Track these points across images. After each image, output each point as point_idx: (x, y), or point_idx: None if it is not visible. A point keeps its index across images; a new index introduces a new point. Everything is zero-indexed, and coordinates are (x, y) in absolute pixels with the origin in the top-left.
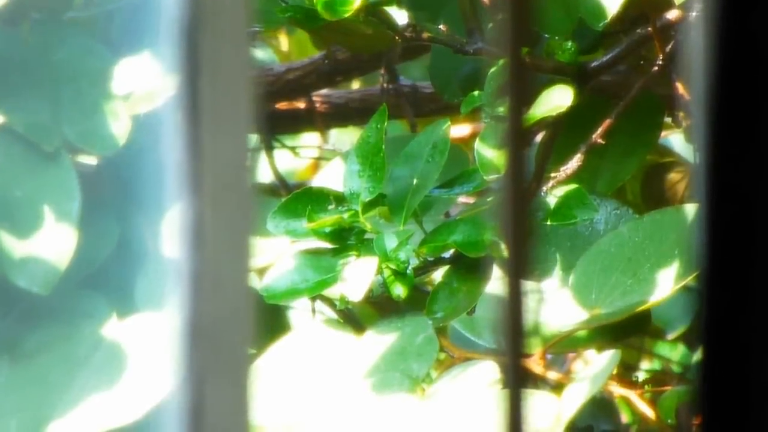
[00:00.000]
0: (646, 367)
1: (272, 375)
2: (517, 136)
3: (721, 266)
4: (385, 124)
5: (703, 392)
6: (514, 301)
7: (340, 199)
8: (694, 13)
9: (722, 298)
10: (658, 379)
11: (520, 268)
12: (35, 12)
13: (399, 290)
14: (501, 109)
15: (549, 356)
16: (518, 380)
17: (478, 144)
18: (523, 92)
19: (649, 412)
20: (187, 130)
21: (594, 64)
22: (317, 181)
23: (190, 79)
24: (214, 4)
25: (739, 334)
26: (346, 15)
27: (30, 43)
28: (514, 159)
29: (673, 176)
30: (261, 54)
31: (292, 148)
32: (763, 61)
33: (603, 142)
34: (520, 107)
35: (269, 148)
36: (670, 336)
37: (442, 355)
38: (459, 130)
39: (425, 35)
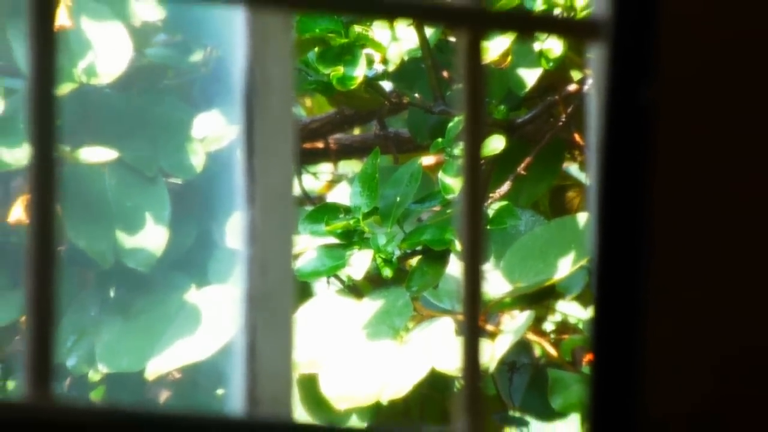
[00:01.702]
0: (552, 320)
1: (301, 326)
2: (471, 168)
3: (607, 253)
4: (378, 160)
5: (593, 338)
6: (469, 279)
7: (347, 210)
8: (586, 87)
9: (608, 274)
10: (560, 329)
11: (472, 257)
12: (141, 81)
13: (387, 272)
14: (457, 150)
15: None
16: (473, 330)
17: (441, 174)
18: (476, 149)
19: (553, 352)
20: (245, 161)
21: (519, 120)
22: (331, 198)
23: (248, 127)
24: (265, 75)
25: (619, 298)
26: (352, 87)
27: (137, 103)
28: (468, 184)
29: (571, 194)
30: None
31: (314, 173)
32: (634, 118)
33: (524, 173)
34: (473, 148)
35: (299, 173)
36: (568, 298)
37: (415, 315)
38: (427, 160)
39: (405, 100)
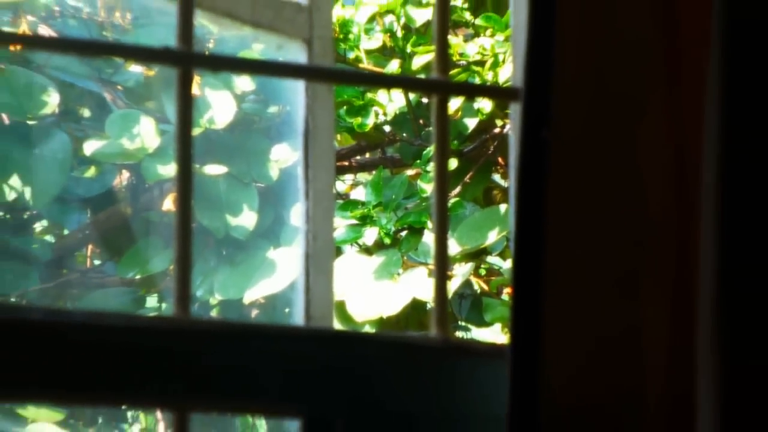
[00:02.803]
0: (484, 268)
1: (336, 272)
2: (439, 178)
3: (519, 228)
4: (381, 173)
5: (513, 278)
6: (438, 244)
7: (363, 204)
8: (507, 129)
9: (520, 241)
10: (489, 273)
11: (440, 231)
12: (240, 126)
13: (387, 240)
14: (429, 167)
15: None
16: (441, 273)
17: (419, 181)
18: (444, 167)
19: (485, 287)
20: (303, 173)
21: (465, 149)
22: (353, 195)
23: (305, 152)
24: (315, 122)
25: (527, 256)
26: (366, 130)
27: (237, 139)
28: (438, 187)
29: (496, 193)
30: None
31: (343, 180)
32: (537, 149)
33: (468, 181)
34: (442, 166)
35: (334, 180)
36: (494, 254)
37: (404, 265)
38: (410, 173)
39: (397, 137)
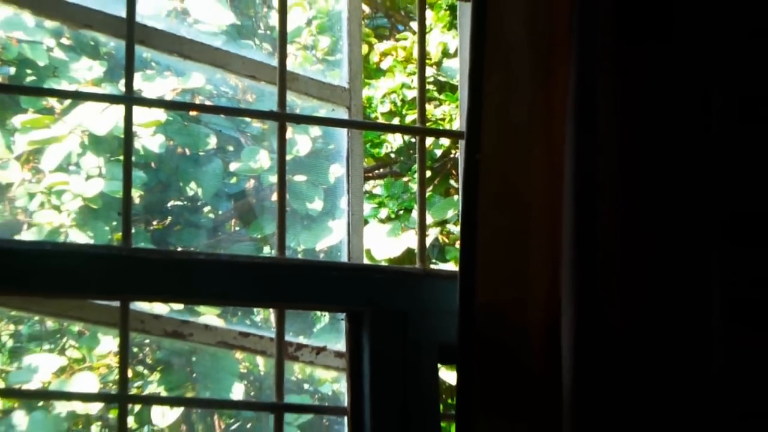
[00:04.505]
0: (446, 231)
1: (366, 233)
2: (420, 183)
3: (464, 208)
4: (390, 180)
5: (461, 236)
6: (420, 217)
7: (379, 196)
8: (457, 154)
9: (465, 216)
10: (449, 233)
11: (421, 211)
12: (312, 155)
13: (392, 216)
14: (416, 176)
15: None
16: (421, 233)
17: (410, 184)
18: (423, 176)
19: (447, 241)
20: (346, 179)
21: (435, 166)
22: (374, 191)
23: (348, 168)
24: (353, 151)
25: (469, 224)
26: (381, 156)
27: (312, 161)
28: (419, 187)
29: (452, 190)
30: None
31: (368, 183)
32: (472, 165)
33: (437, 183)
34: (422, 175)
35: (362, 183)
36: (451, 222)
37: (402, 228)
38: (405, 178)
39: (398, 160)
